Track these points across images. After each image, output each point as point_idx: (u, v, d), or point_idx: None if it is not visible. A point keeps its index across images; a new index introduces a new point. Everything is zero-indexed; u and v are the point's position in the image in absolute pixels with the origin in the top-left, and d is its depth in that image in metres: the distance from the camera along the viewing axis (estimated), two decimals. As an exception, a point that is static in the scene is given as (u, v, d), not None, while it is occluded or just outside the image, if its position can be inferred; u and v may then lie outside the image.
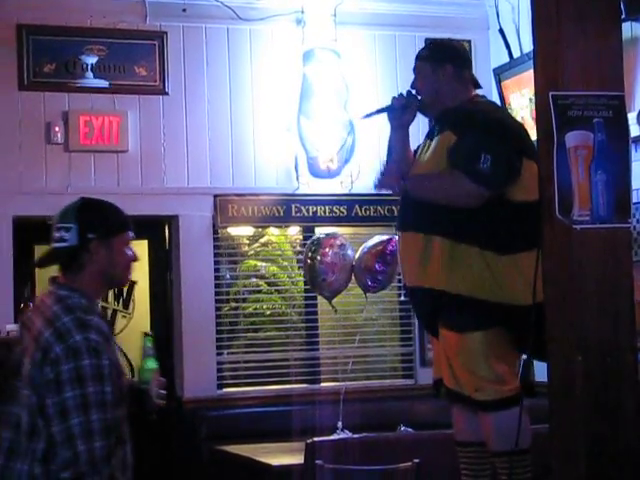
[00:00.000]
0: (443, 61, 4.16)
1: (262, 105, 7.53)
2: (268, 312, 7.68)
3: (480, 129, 3.98)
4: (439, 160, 4.06)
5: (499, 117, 4.15)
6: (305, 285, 7.53)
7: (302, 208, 7.56)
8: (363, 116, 4.51)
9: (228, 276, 7.60)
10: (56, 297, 3.08)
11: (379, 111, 4.38)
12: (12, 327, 6.17)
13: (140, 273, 7.37)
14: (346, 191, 7.63)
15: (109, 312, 7.33)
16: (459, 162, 3.94)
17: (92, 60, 7.19)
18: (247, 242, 7.79)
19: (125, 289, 7.36)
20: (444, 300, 4.01)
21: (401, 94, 4.31)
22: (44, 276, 6.95)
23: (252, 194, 7.47)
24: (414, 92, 4.30)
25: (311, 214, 7.59)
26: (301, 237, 7.73)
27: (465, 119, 4.05)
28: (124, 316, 7.37)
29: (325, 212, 7.63)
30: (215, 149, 7.44)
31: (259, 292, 7.73)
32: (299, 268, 7.60)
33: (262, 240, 7.80)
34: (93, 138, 7.15)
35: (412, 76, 7.78)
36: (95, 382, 2.93)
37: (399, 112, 4.30)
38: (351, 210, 7.66)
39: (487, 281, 3.94)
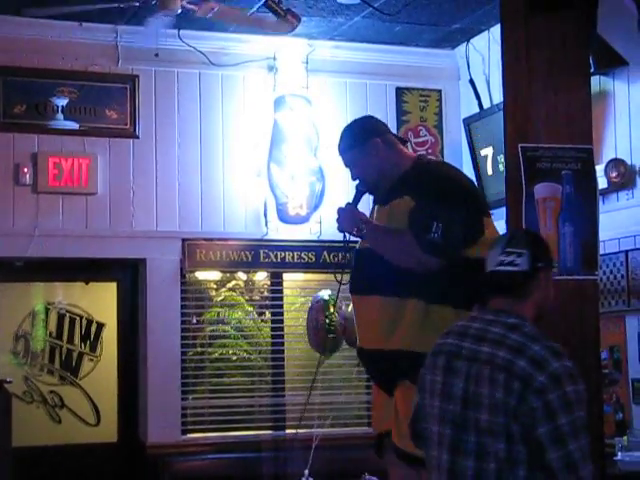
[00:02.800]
0: (368, 139, 4.09)
1: (232, 150, 7.55)
2: (234, 357, 7.65)
3: (433, 196, 3.92)
4: (399, 225, 3.99)
5: (454, 181, 4.05)
6: (272, 331, 7.53)
7: (270, 254, 7.56)
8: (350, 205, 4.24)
9: (195, 321, 7.56)
10: (506, 325, 3.06)
11: (359, 196, 4.29)
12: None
13: (108, 315, 7.36)
14: (315, 237, 7.64)
15: (75, 354, 7.27)
16: (413, 230, 3.90)
17: (63, 102, 7.18)
18: (214, 287, 7.77)
19: (92, 331, 7.31)
20: (411, 360, 3.86)
21: (359, 186, 4.21)
22: (3, 317, 6.99)
23: (221, 239, 7.46)
24: (358, 182, 4.22)
25: (279, 260, 7.58)
26: (269, 282, 7.72)
27: (421, 184, 3.99)
28: (91, 359, 7.31)
29: (294, 258, 7.63)
30: (184, 193, 7.43)
31: (225, 337, 7.70)
32: (266, 314, 7.59)
33: (229, 285, 7.78)
34: (62, 180, 7.12)
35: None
36: (579, 407, 2.95)
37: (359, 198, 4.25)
38: (319, 256, 7.66)
39: None
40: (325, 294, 6.68)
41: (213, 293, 7.77)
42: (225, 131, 7.56)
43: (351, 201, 4.20)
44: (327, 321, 6.52)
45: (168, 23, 6.48)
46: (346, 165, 4.20)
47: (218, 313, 7.67)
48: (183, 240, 7.36)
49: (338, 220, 4.15)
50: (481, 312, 3.17)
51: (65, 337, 7.27)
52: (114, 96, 7.32)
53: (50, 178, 7.10)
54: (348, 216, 4.10)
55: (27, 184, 7.06)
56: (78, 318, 7.31)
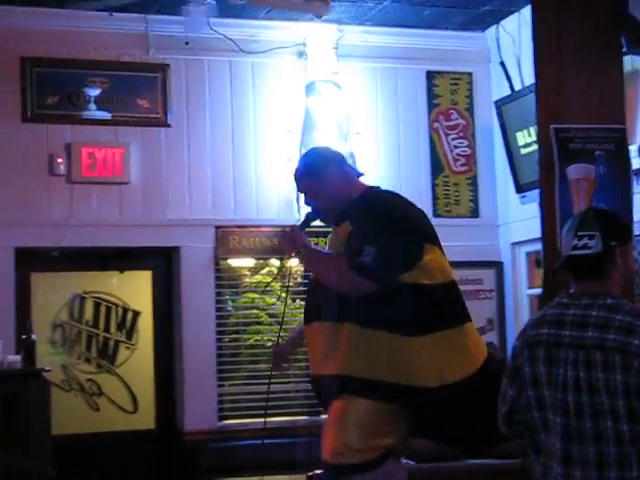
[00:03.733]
0: (323, 168, 4.09)
1: (264, 137, 7.57)
2: (269, 344, 7.67)
3: (368, 221, 3.93)
4: (338, 250, 4.00)
5: (390, 207, 4.04)
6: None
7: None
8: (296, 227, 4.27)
9: (229, 307, 7.60)
10: (606, 307, 3.05)
11: (307, 221, 4.27)
12: (14, 358, 6.16)
13: (144, 303, 7.41)
14: (347, 223, 7.64)
15: (112, 343, 7.33)
16: (347, 254, 3.88)
17: (95, 92, 7.23)
18: (248, 273, 7.80)
19: (128, 320, 7.37)
20: (347, 385, 3.89)
21: (310, 212, 4.23)
22: (40, 306, 7.06)
23: (253, 225, 7.49)
24: (311, 209, 4.23)
25: (313, 245, 7.59)
26: (302, 268, 7.73)
27: (360, 210, 3.99)
28: (127, 347, 7.37)
29: (326, 243, 7.62)
30: (217, 181, 7.47)
31: (259, 324, 7.72)
32: (297, 300, 7.63)
33: (263, 271, 7.80)
34: (96, 170, 7.17)
35: (412, 109, 7.90)
36: None
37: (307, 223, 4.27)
38: (352, 241, 7.66)
39: (393, 364, 3.85)
40: None
41: (247, 280, 7.80)
42: (256, 118, 7.59)
43: (299, 224, 4.25)
44: None
45: (209, 12, 6.50)
46: (300, 191, 4.24)
47: (252, 300, 7.70)
48: (216, 227, 7.40)
49: (280, 241, 4.23)
50: (572, 298, 3.13)
51: (101, 326, 7.33)
52: (145, 85, 7.36)
53: (84, 168, 7.15)
54: (290, 238, 4.13)
55: (61, 174, 7.11)
56: (114, 307, 7.37)
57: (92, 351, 7.31)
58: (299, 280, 7.69)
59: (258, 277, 7.75)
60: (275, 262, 7.71)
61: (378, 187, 4.24)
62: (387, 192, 4.18)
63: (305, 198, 4.21)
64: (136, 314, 7.40)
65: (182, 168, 7.41)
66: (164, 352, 7.40)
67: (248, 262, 7.70)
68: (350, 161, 4.33)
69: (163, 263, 7.48)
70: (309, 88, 7.57)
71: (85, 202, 7.18)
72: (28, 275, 7.12)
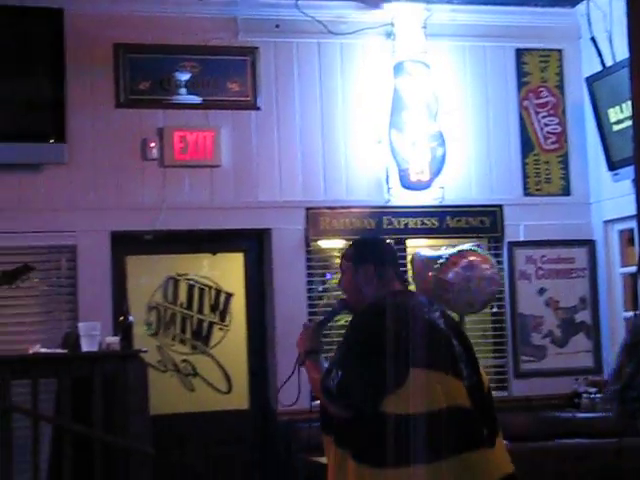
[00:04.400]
0: (365, 261, 3.88)
1: (353, 118, 7.58)
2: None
3: (345, 340, 3.72)
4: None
5: (371, 329, 3.65)
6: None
7: (393, 220, 7.58)
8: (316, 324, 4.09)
9: (320, 288, 7.64)
10: None
11: (332, 315, 4.12)
12: (112, 340, 6.28)
13: (236, 286, 7.49)
14: (437, 202, 7.64)
15: (205, 324, 7.44)
16: (322, 373, 3.71)
17: (185, 77, 7.31)
18: (339, 254, 7.81)
19: (221, 301, 7.46)
20: None
21: (342, 299, 4.02)
22: (136, 289, 7.17)
23: (343, 207, 7.51)
24: (338, 300, 4.09)
25: (402, 226, 7.61)
26: (393, 249, 7.73)
27: (347, 328, 3.77)
28: (221, 328, 7.46)
29: (416, 224, 7.65)
30: (307, 162, 7.51)
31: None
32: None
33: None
34: (187, 153, 7.26)
35: (501, 88, 7.84)
36: None
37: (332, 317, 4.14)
38: (442, 222, 7.67)
39: None
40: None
41: (337, 261, 7.80)
42: (345, 99, 7.60)
43: (322, 319, 4.12)
44: None
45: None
46: (340, 269, 4.03)
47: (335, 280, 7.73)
48: (307, 209, 7.44)
49: (299, 336, 4.01)
50: None
51: (195, 307, 7.43)
52: (235, 69, 7.42)
53: (176, 152, 7.24)
54: (305, 338, 3.99)
55: (154, 158, 7.21)
56: (207, 289, 7.47)
57: (186, 332, 7.41)
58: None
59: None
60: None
61: (404, 291, 3.97)
62: (382, 303, 3.75)
63: (339, 281, 4.03)
64: (229, 296, 7.49)
65: (272, 150, 7.46)
66: (257, 333, 7.48)
67: (338, 243, 7.73)
68: (395, 262, 3.99)
69: (255, 245, 7.55)
70: (397, 68, 7.56)
71: (177, 185, 7.27)
72: (123, 258, 7.26)
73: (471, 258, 6.77)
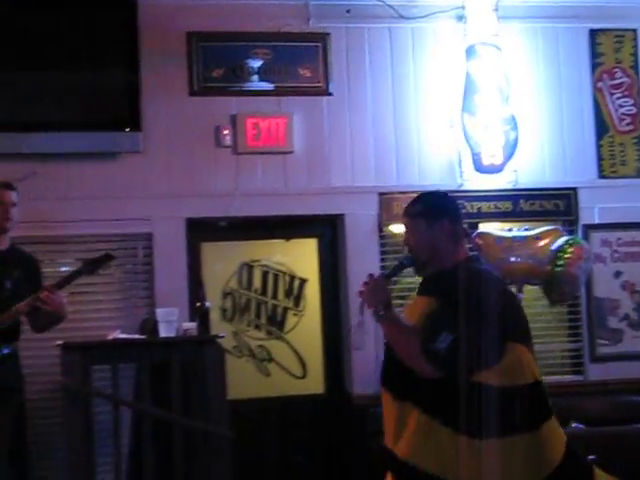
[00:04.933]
0: (440, 217, 3.90)
1: (425, 102, 7.56)
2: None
3: (454, 306, 3.66)
4: (415, 321, 3.81)
5: (482, 297, 3.71)
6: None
7: (466, 204, 7.55)
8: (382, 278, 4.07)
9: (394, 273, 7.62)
10: None
11: (397, 270, 4.09)
12: (190, 325, 6.35)
13: (310, 271, 7.52)
14: (510, 186, 7.59)
15: (280, 309, 7.48)
16: (423, 334, 3.69)
17: (258, 64, 7.35)
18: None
19: (295, 287, 7.50)
20: (413, 474, 3.77)
21: (408, 256, 4.03)
22: (211, 275, 7.24)
23: (416, 191, 7.43)
24: (405, 255, 4.08)
25: (476, 210, 7.58)
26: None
27: (449, 290, 3.74)
28: (295, 314, 7.50)
29: (490, 208, 7.61)
30: (379, 147, 7.50)
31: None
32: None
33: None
34: (260, 140, 7.30)
35: (574, 69, 7.76)
36: None
37: (398, 272, 4.11)
38: (516, 205, 7.62)
39: (455, 463, 3.69)
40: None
41: (410, 246, 7.80)
42: (417, 83, 7.58)
43: (387, 272, 4.09)
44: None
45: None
46: (406, 228, 4.01)
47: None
48: (379, 194, 7.44)
49: (363, 290, 3.95)
50: None
51: (270, 293, 7.48)
52: (307, 55, 7.44)
53: (249, 139, 7.28)
54: (374, 290, 3.92)
55: (227, 145, 7.26)
56: (281, 274, 7.51)
57: (261, 318, 7.47)
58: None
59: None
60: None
61: (477, 257, 4.05)
62: (484, 274, 3.87)
63: (406, 238, 4.01)
64: (303, 281, 7.53)
65: (344, 136, 7.47)
66: (331, 318, 7.51)
67: (411, 228, 7.71)
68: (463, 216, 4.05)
69: (328, 230, 7.57)
70: (469, 51, 7.52)
71: (250, 172, 7.32)
72: (199, 245, 7.33)
73: (582, 250, 6.78)
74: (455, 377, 3.63)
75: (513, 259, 6.75)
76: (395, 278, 4.27)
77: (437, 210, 3.94)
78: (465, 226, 4.05)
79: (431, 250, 3.89)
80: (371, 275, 4.00)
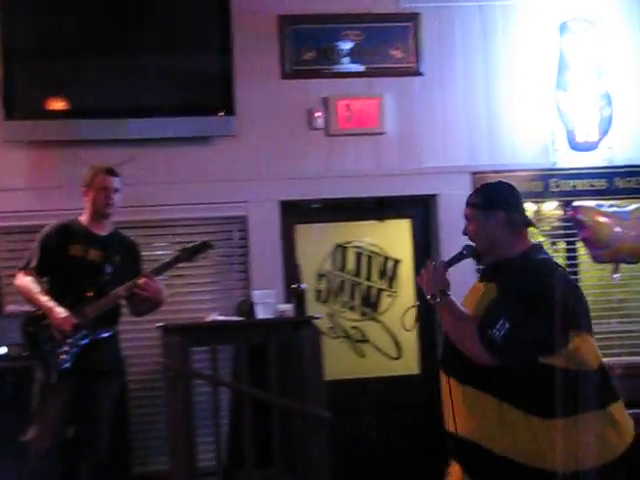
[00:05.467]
0: (494, 208, 3.98)
1: (517, 80, 7.49)
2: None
3: (513, 294, 3.77)
4: (477, 309, 3.88)
5: (542, 287, 3.76)
6: (567, 260, 7.47)
7: (560, 182, 7.48)
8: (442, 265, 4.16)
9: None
10: None
11: (458, 259, 4.14)
12: (286, 307, 6.40)
13: (403, 252, 7.52)
14: (606, 163, 7.49)
15: (374, 291, 7.50)
16: (481, 321, 3.77)
17: (349, 45, 7.35)
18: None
19: (389, 268, 7.51)
20: (483, 455, 3.85)
21: (466, 247, 4.11)
22: (305, 257, 7.28)
23: (509, 170, 7.43)
24: (465, 245, 4.13)
25: (570, 188, 7.50)
26: (560, 212, 7.64)
27: (509, 278, 3.84)
28: (389, 295, 7.51)
29: (584, 186, 7.53)
30: (471, 126, 7.46)
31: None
32: (558, 244, 7.54)
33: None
34: (352, 122, 7.31)
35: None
36: None
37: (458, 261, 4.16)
38: (611, 183, 7.53)
39: (528, 444, 3.75)
40: None
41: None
42: (508, 61, 7.51)
43: (448, 260, 4.12)
44: None
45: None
46: (466, 218, 4.09)
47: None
48: (472, 174, 7.40)
49: (422, 275, 4.10)
50: None
51: (363, 274, 7.50)
52: (397, 35, 7.41)
53: (341, 120, 7.29)
54: (433, 277, 4.05)
55: (320, 128, 7.28)
56: (375, 255, 7.52)
57: (356, 299, 7.49)
58: (556, 224, 7.62)
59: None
60: (531, 206, 7.65)
61: (539, 246, 4.07)
62: (546, 265, 3.93)
63: (465, 227, 4.09)
64: (396, 262, 7.53)
65: (436, 116, 7.44)
66: (425, 299, 7.46)
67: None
68: (523, 207, 4.12)
69: (421, 211, 7.56)
70: (562, 28, 7.43)
71: (343, 154, 7.33)
72: (293, 227, 7.37)
73: None
74: (514, 362, 3.72)
75: (620, 234, 6.66)
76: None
77: (493, 201, 4.01)
78: (527, 216, 4.10)
79: (488, 240, 3.97)
80: (431, 261, 4.15)
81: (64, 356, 5.62)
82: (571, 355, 3.71)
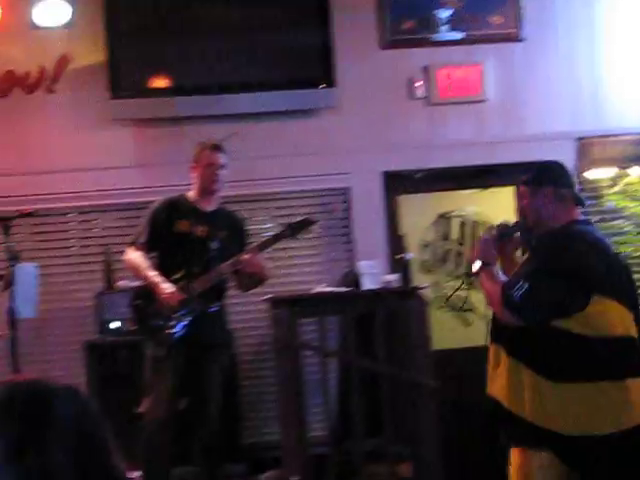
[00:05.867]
0: (543, 184, 4.13)
1: (621, 43, 7.36)
2: (636, 254, 7.51)
3: (535, 258, 4.00)
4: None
5: (562, 252, 3.94)
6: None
7: (670, 148, 7.36)
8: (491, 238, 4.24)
9: (597, 218, 7.47)
10: None
11: (509, 232, 4.25)
12: (392, 277, 6.41)
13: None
14: None
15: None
16: (507, 281, 3.96)
17: (448, 13, 7.30)
18: (608, 185, 7.63)
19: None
20: (502, 413, 4.03)
21: (518, 222, 4.30)
22: (408, 227, 7.27)
23: (615, 134, 7.32)
24: (517, 220, 4.38)
25: (680, 153, 7.37)
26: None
27: (538, 245, 4.08)
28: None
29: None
30: (574, 92, 7.36)
31: (621, 234, 7.55)
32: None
33: (623, 182, 7.61)
34: (453, 90, 7.27)
35: None
36: None
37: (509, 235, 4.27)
38: None
39: (536, 404, 3.88)
40: None
41: (607, 192, 7.63)
42: (612, 24, 7.37)
43: (498, 235, 4.21)
44: None
45: None
46: (517, 195, 4.33)
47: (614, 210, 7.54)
48: (577, 139, 7.31)
49: (471, 249, 4.27)
50: None
51: (468, 243, 7.46)
52: (497, 2, 7.33)
53: (441, 89, 7.26)
54: (484, 248, 4.16)
55: (420, 97, 7.26)
56: (479, 224, 7.48)
57: (460, 268, 7.47)
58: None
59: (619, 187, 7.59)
60: (637, 170, 7.52)
61: (586, 220, 4.20)
62: (582, 234, 4.05)
63: (518, 205, 4.29)
64: (502, 229, 7.48)
65: (538, 82, 7.36)
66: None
67: (610, 172, 7.54)
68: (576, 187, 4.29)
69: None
70: (668, -12, 7.29)
71: (444, 123, 7.30)
72: (395, 198, 7.36)
73: None
74: (533, 322, 3.88)
75: None
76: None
77: (542, 178, 4.17)
78: (577, 193, 4.23)
79: (536, 215, 4.11)
80: (488, 230, 4.30)
81: (171, 330, 5.71)
82: (590, 319, 3.82)
